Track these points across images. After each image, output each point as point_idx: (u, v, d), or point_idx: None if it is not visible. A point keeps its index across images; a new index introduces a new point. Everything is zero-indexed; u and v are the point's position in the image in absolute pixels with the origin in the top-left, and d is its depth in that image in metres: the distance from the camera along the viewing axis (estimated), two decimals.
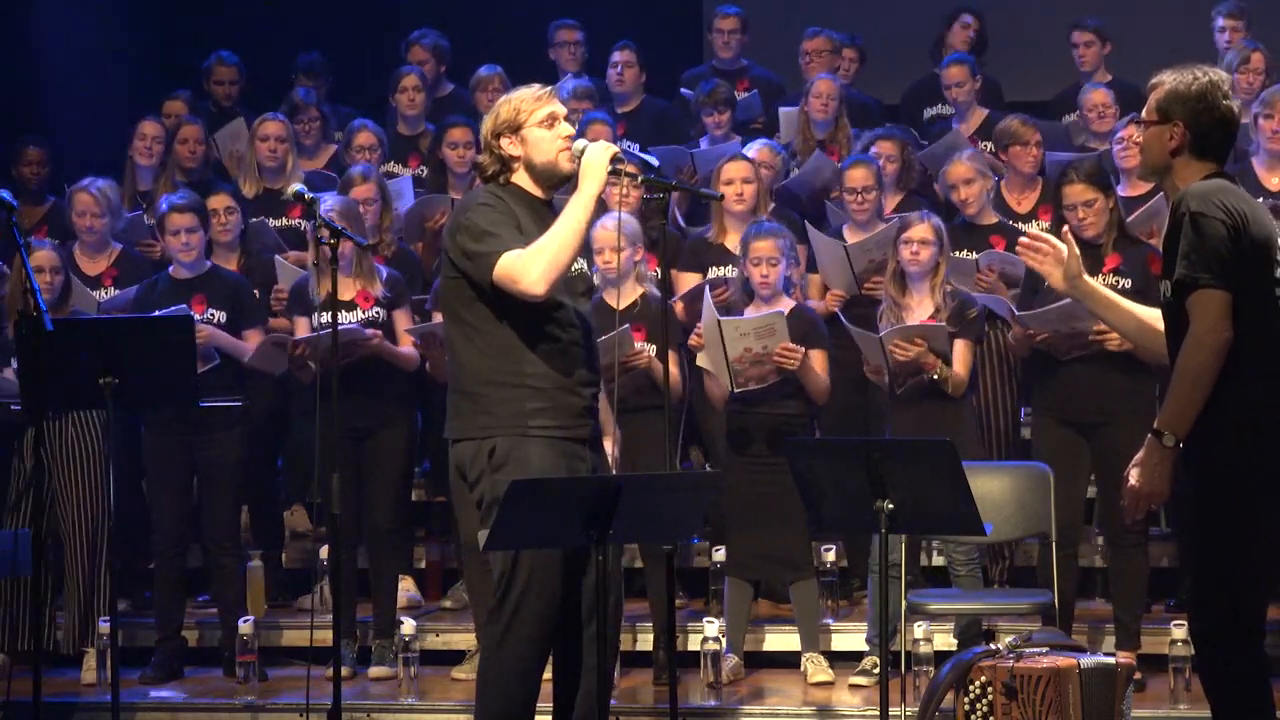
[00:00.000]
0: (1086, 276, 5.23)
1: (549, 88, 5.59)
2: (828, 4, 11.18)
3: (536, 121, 5.49)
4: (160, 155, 9.08)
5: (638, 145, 9.17)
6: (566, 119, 5.57)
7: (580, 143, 5.51)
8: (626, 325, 7.04)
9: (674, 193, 7.41)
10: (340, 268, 7.37)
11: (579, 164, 5.44)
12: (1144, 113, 4.99)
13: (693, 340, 7.20)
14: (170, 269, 7.72)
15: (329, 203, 7.44)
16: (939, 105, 9.82)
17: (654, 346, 7.18)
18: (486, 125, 5.56)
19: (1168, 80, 4.93)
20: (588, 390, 5.54)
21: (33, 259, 7.41)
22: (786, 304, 7.26)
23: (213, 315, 7.57)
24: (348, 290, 7.45)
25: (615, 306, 7.20)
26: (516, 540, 5.21)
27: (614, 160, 5.43)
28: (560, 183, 5.58)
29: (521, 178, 5.54)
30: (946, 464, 5.39)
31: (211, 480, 7.59)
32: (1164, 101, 4.92)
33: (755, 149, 8.45)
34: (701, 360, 7.16)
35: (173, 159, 9.09)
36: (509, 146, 5.51)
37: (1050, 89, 10.18)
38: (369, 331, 7.40)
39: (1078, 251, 5.19)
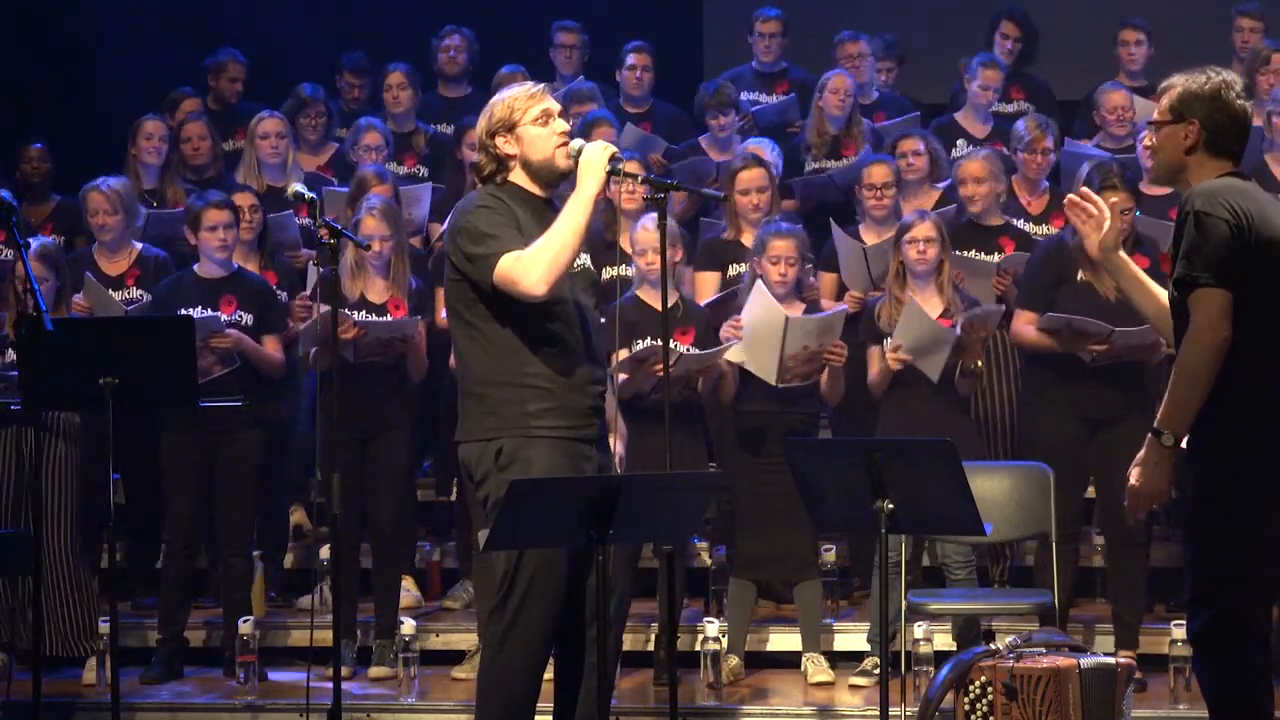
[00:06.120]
0: (1121, 251, 5.20)
1: (541, 85, 5.59)
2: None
3: (531, 119, 5.48)
4: (166, 153, 9.00)
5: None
6: (561, 116, 5.56)
7: (577, 142, 5.50)
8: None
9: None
10: (376, 269, 7.42)
11: (575, 162, 5.44)
12: (1156, 114, 5.00)
13: (729, 331, 7.09)
14: (196, 266, 7.65)
15: (373, 200, 7.47)
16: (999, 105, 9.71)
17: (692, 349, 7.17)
18: (481, 125, 5.54)
19: (1179, 82, 4.95)
20: (594, 389, 5.52)
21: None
22: (829, 304, 7.33)
23: (240, 317, 7.54)
24: (381, 294, 7.47)
25: (658, 307, 7.21)
26: (516, 540, 5.20)
27: (612, 159, 5.43)
28: (558, 180, 5.56)
29: (519, 176, 5.53)
30: (946, 464, 5.39)
31: (229, 482, 7.56)
32: (1178, 101, 4.92)
33: (752, 148, 8.40)
34: (736, 355, 7.08)
35: (177, 157, 9.05)
36: (504, 145, 5.50)
37: (1080, 88, 10.07)
38: (413, 319, 7.38)
39: (1119, 225, 5.18)
